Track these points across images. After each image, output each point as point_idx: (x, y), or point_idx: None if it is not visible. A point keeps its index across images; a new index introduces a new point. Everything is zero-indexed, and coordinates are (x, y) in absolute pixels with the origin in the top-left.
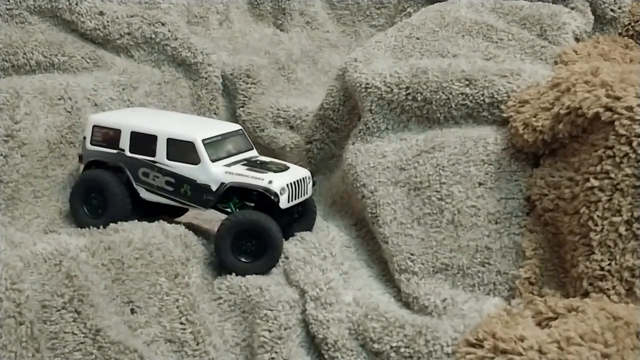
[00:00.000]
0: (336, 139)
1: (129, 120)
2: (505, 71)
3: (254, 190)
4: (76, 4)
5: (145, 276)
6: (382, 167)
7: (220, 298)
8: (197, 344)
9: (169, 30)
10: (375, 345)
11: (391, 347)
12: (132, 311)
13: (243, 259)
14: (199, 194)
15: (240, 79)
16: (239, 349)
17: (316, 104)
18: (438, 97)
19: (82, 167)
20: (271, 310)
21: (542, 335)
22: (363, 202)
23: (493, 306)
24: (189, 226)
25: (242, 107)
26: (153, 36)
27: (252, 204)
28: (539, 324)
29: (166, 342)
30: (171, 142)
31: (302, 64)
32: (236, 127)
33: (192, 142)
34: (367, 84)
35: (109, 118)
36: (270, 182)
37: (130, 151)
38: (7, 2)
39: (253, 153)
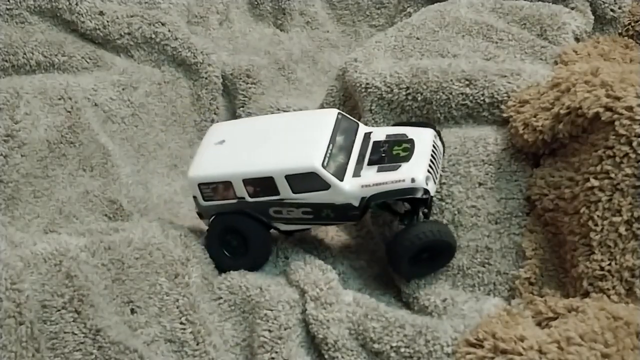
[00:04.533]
0: None
1: (232, 166)
2: (505, 71)
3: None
4: (76, 4)
5: (145, 276)
6: None
7: (220, 298)
8: (197, 344)
9: (169, 30)
10: (375, 345)
11: (391, 347)
12: (132, 311)
13: (418, 267)
14: (343, 213)
15: (240, 79)
16: (239, 349)
17: (316, 104)
18: (438, 97)
19: (206, 221)
20: (271, 310)
21: (542, 335)
22: None
23: (493, 306)
24: (189, 226)
25: (242, 107)
26: (153, 36)
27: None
28: (539, 324)
29: (166, 342)
30: (290, 178)
31: (302, 64)
32: (333, 113)
33: (313, 172)
34: (367, 84)
35: (210, 170)
36: (413, 180)
37: (251, 197)
38: (7, 2)
39: (362, 131)
